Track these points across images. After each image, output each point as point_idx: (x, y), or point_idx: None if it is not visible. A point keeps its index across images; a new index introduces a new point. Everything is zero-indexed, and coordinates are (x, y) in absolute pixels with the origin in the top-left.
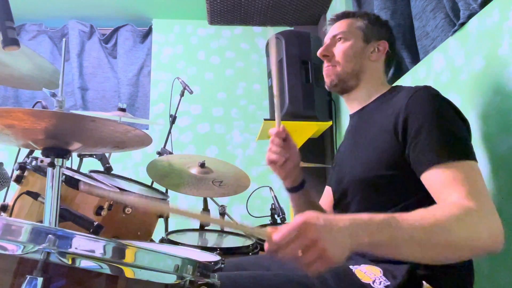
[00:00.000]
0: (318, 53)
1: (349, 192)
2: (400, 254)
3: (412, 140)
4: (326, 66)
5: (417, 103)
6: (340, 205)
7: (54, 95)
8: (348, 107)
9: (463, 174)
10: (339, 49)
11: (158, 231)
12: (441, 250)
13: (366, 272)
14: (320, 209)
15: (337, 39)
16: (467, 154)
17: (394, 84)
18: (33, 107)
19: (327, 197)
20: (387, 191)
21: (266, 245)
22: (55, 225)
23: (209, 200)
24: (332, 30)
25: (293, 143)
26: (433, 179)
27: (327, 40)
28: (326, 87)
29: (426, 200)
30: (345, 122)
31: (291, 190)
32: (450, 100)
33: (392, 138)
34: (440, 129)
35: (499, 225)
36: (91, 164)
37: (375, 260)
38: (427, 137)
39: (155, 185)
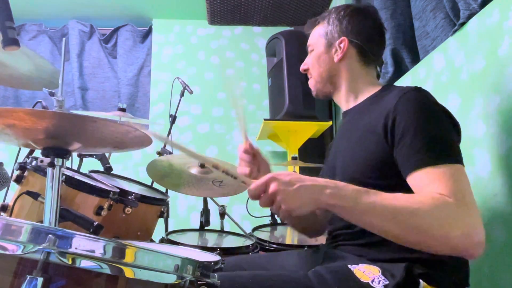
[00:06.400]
0: (300, 70)
1: None
2: (362, 223)
3: (399, 142)
4: (309, 80)
5: (405, 105)
6: None
7: (53, 94)
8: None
9: (447, 176)
10: (308, 62)
11: (158, 231)
12: (404, 230)
13: (364, 271)
14: (314, 214)
15: (309, 51)
16: (452, 158)
17: (388, 84)
18: (33, 107)
19: None
20: None
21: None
22: (55, 225)
23: (209, 200)
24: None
25: (263, 158)
26: (418, 180)
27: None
28: None
29: None
30: None
31: None
32: (439, 103)
33: (381, 139)
34: (426, 133)
35: (476, 226)
36: (91, 164)
37: (373, 260)
38: (413, 140)
39: (155, 185)
